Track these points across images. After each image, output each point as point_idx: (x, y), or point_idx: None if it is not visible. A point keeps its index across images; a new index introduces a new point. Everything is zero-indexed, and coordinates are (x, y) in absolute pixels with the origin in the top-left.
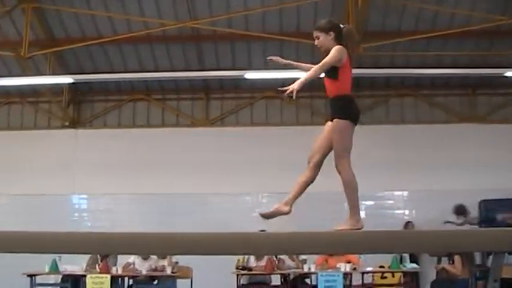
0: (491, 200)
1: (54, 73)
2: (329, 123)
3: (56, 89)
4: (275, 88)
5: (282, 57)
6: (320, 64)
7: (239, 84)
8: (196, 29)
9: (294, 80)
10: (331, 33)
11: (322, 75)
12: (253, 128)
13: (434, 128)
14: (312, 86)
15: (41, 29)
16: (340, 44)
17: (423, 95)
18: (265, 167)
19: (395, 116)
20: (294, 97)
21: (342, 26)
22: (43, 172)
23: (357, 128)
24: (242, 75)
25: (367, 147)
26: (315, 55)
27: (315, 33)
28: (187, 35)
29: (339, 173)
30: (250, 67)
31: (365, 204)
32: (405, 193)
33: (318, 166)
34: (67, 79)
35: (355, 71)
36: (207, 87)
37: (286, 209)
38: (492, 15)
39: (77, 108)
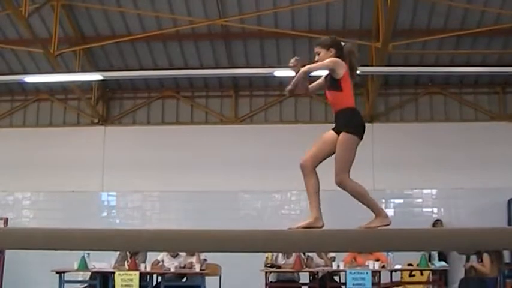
0: None
1: (83, 70)
2: (332, 132)
3: (85, 86)
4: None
5: (310, 55)
6: (312, 65)
7: (268, 82)
8: (226, 27)
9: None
10: (332, 49)
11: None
12: (282, 125)
13: (464, 126)
14: None
15: (71, 26)
16: (340, 56)
17: (452, 93)
18: (294, 165)
19: (425, 114)
20: (290, 95)
21: (343, 43)
22: (72, 169)
23: (386, 126)
24: (271, 73)
25: (396, 145)
26: None
27: (316, 49)
28: (216, 32)
29: (343, 188)
30: (279, 65)
31: (394, 202)
32: (434, 191)
33: (315, 169)
34: (96, 76)
35: (384, 68)
36: (236, 84)
37: (320, 223)
38: None
39: (106, 105)
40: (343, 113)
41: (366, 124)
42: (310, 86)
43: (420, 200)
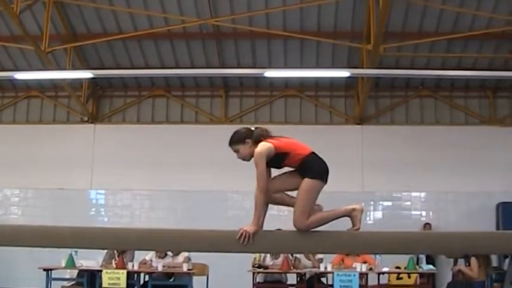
0: (510, 202)
1: (74, 68)
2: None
3: (75, 83)
4: (295, 87)
5: (302, 56)
6: (257, 188)
7: (259, 83)
8: (217, 27)
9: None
10: (248, 140)
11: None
12: (272, 126)
13: (454, 130)
14: (331, 85)
15: (62, 24)
16: (259, 141)
17: (443, 96)
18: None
19: (415, 117)
20: (251, 241)
21: (252, 128)
22: (61, 166)
23: (376, 128)
24: (262, 74)
25: (386, 148)
26: (335, 54)
27: (233, 149)
28: (208, 32)
29: (298, 229)
30: (270, 65)
31: (382, 204)
32: (423, 194)
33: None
34: (87, 74)
35: (375, 71)
36: (226, 84)
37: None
38: None
39: (96, 103)
40: (301, 165)
41: (356, 126)
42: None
43: (409, 203)
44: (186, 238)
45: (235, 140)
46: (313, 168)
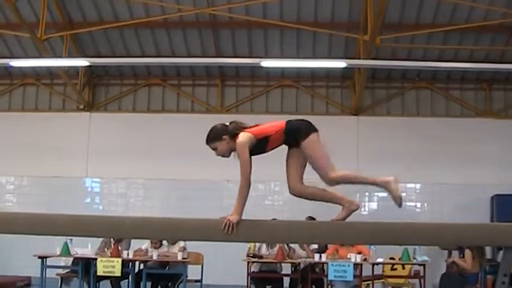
0: (504, 194)
1: (70, 56)
2: (290, 150)
3: (71, 71)
4: (291, 77)
5: (298, 46)
6: (241, 180)
7: (255, 72)
8: (214, 16)
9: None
10: (225, 137)
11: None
12: (268, 116)
13: (449, 122)
14: (328, 76)
15: (58, 11)
16: (236, 134)
17: (439, 88)
18: (278, 156)
19: (411, 109)
20: (234, 231)
21: (227, 124)
22: (56, 154)
23: (372, 119)
24: (258, 63)
25: (382, 139)
26: (332, 44)
27: (211, 147)
28: (204, 21)
29: (332, 182)
30: (266, 55)
31: (377, 196)
32: (418, 186)
33: (303, 182)
34: (83, 62)
35: (372, 62)
36: (222, 74)
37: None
38: (510, 10)
39: (92, 91)
40: (287, 133)
41: (352, 117)
42: None
43: (404, 194)
44: (180, 227)
45: (212, 138)
46: (299, 129)
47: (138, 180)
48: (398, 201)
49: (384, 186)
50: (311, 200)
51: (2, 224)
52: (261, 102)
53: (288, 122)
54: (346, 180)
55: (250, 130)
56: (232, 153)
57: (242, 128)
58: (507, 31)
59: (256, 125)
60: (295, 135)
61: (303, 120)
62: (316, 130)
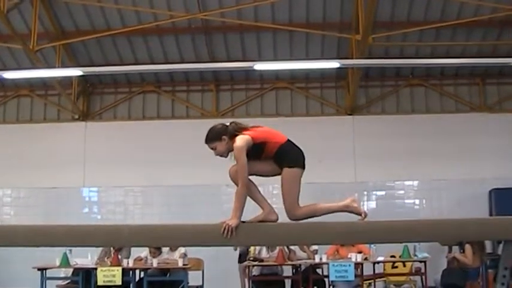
0: (502, 188)
1: (63, 66)
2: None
3: (65, 81)
4: (285, 79)
5: (291, 48)
6: (240, 183)
7: (249, 76)
8: (206, 21)
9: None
10: (224, 137)
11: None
12: (263, 119)
13: (444, 118)
14: (322, 77)
15: (50, 22)
16: (235, 135)
17: (433, 84)
18: None
19: (406, 106)
20: (234, 235)
21: (226, 124)
22: (53, 165)
23: (367, 118)
24: (252, 67)
25: (378, 137)
26: (325, 45)
27: (210, 147)
28: (196, 26)
29: (293, 218)
30: (260, 58)
31: (376, 194)
32: (416, 183)
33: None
34: (76, 71)
35: (365, 61)
36: (216, 78)
37: (274, 217)
38: (501, 5)
39: (87, 100)
40: (280, 150)
41: (347, 117)
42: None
43: (402, 192)
44: (180, 233)
45: (212, 138)
46: (290, 156)
47: (135, 187)
48: (364, 215)
49: (346, 209)
50: (309, 217)
51: (2, 238)
52: (256, 105)
53: (287, 142)
54: (309, 216)
55: (249, 132)
56: (230, 154)
57: (242, 128)
58: (498, 25)
59: (258, 126)
60: (282, 158)
61: (300, 150)
62: (303, 167)
